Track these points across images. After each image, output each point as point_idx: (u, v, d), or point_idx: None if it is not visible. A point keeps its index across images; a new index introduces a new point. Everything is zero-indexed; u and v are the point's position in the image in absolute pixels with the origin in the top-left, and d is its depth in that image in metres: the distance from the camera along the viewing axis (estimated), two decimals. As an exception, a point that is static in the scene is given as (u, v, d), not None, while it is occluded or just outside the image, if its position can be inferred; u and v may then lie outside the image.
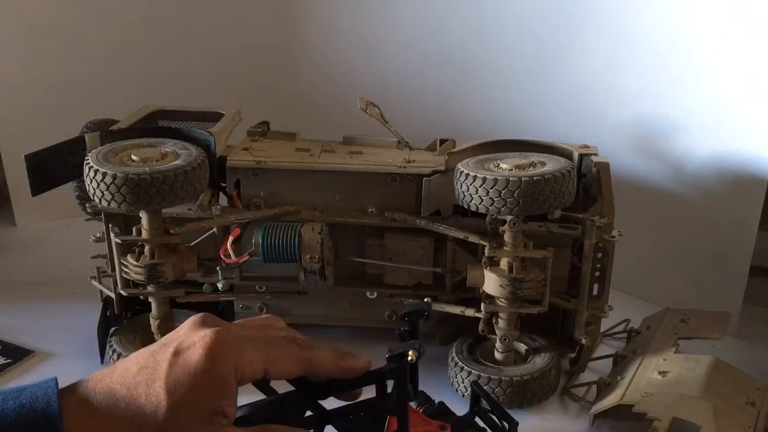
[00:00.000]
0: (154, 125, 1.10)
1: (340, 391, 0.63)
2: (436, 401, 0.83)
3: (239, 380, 0.54)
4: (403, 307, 0.66)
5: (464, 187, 0.89)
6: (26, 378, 1.01)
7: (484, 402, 0.79)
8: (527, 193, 0.86)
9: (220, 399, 0.52)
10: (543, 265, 0.93)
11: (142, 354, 0.54)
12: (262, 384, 0.61)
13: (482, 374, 0.94)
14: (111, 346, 1.00)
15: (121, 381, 0.52)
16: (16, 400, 0.49)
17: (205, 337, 0.53)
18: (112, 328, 1.05)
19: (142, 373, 0.52)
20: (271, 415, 0.60)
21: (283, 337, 0.59)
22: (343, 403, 0.65)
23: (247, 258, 0.97)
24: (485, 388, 0.91)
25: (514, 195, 0.86)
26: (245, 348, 0.54)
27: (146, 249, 0.95)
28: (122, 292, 0.99)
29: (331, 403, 0.64)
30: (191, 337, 0.54)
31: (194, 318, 0.57)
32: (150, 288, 0.97)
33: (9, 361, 1.03)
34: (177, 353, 0.52)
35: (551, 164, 0.91)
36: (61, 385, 0.53)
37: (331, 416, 0.63)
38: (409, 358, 0.61)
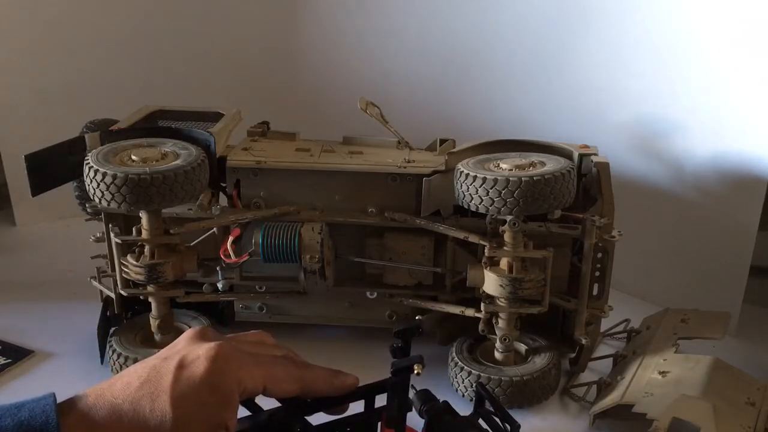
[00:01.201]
0: (154, 125, 1.10)
1: (328, 406, 0.63)
2: (440, 400, 0.83)
3: (240, 395, 0.54)
4: (396, 324, 0.67)
5: (464, 187, 0.89)
6: (26, 378, 1.01)
7: (488, 404, 0.79)
8: (527, 193, 0.86)
9: (224, 412, 0.52)
10: (543, 265, 0.93)
11: (141, 368, 0.53)
12: (248, 401, 0.61)
13: (482, 374, 0.94)
14: (111, 346, 1.00)
15: (123, 395, 0.51)
16: (15, 417, 0.48)
17: (210, 350, 0.53)
18: (112, 328, 1.05)
19: (145, 386, 0.51)
20: (262, 431, 0.60)
21: (281, 356, 0.59)
22: (331, 418, 0.65)
23: (247, 258, 0.97)
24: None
25: (514, 195, 0.86)
26: (248, 363, 0.54)
27: (146, 249, 0.95)
28: (122, 292, 0.99)
29: (317, 418, 0.64)
30: (195, 350, 0.53)
31: (192, 331, 0.57)
32: (150, 288, 0.97)
33: (9, 361, 1.03)
34: (181, 366, 0.52)
35: (551, 164, 0.91)
36: (62, 389, 0.53)
37: None
38: (416, 372, 0.62)
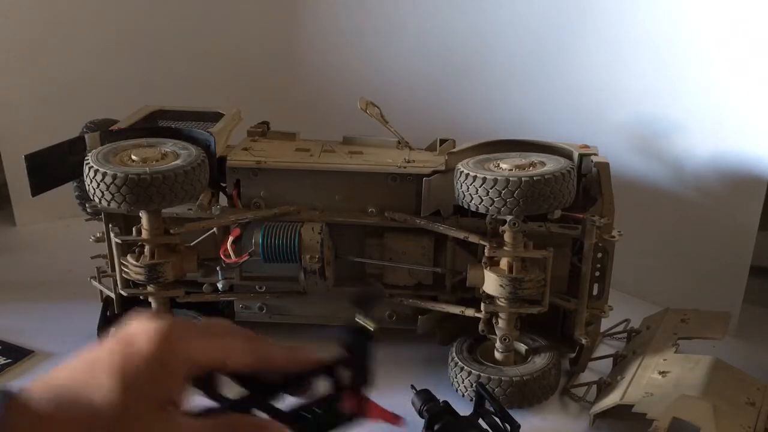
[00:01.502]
0: (154, 125, 1.10)
1: (292, 386, 0.61)
2: (440, 400, 0.83)
3: (190, 369, 0.52)
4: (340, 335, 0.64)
5: (464, 187, 0.89)
6: (27, 378, 1.01)
7: (488, 404, 0.79)
8: (527, 193, 0.86)
9: (170, 387, 0.51)
10: (543, 265, 0.93)
11: (86, 350, 0.52)
12: (211, 390, 0.60)
13: (482, 374, 0.94)
14: (111, 346, 1.00)
15: (66, 377, 0.49)
16: None
17: (158, 326, 0.51)
18: (112, 328, 1.04)
19: (90, 366, 0.49)
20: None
21: (230, 329, 0.57)
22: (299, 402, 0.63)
23: (247, 258, 0.97)
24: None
25: (514, 195, 0.86)
26: (194, 336, 0.53)
27: (146, 249, 0.95)
28: (122, 292, 0.99)
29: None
30: (143, 327, 0.52)
31: (145, 314, 0.56)
32: (150, 288, 0.97)
33: (9, 361, 1.03)
34: (122, 343, 0.50)
35: (551, 164, 0.91)
36: None
37: (291, 418, 0.62)
38: (370, 329, 0.59)
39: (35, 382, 0.50)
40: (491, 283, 0.93)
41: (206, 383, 0.56)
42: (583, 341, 0.98)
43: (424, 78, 1.43)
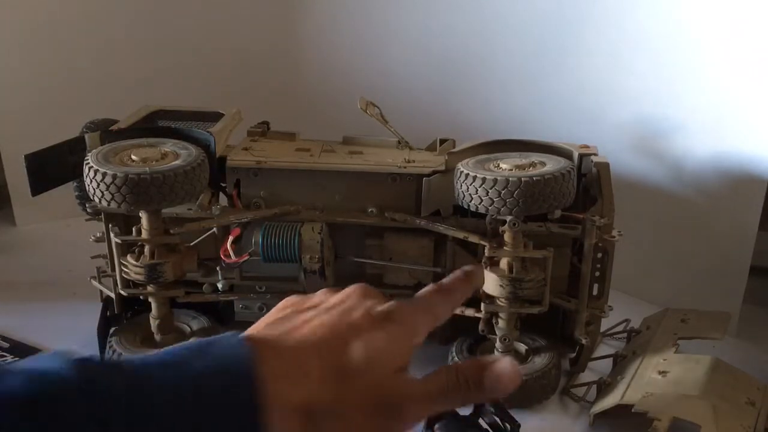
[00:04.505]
0: (154, 125, 1.10)
1: None
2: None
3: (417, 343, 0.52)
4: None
5: (464, 187, 0.89)
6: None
7: (488, 404, 0.79)
8: (527, 193, 0.86)
9: (404, 359, 0.51)
10: (543, 265, 0.93)
11: (325, 317, 0.51)
12: None
13: (482, 374, 0.94)
14: (111, 346, 1.00)
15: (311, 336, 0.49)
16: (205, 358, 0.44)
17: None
18: (112, 328, 1.05)
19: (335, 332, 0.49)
20: None
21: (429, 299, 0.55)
22: None
23: (247, 258, 0.97)
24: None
25: (514, 195, 0.86)
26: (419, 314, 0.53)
27: (146, 249, 0.95)
28: (122, 292, 0.99)
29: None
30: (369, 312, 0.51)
31: (358, 289, 0.54)
32: (150, 288, 0.97)
33: (16, 360, 1.03)
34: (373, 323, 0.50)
35: (551, 164, 0.91)
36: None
37: None
38: None
39: (270, 336, 0.49)
40: (491, 283, 0.93)
41: None
42: (583, 341, 0.98)
43: (424, 78, 1.43)
